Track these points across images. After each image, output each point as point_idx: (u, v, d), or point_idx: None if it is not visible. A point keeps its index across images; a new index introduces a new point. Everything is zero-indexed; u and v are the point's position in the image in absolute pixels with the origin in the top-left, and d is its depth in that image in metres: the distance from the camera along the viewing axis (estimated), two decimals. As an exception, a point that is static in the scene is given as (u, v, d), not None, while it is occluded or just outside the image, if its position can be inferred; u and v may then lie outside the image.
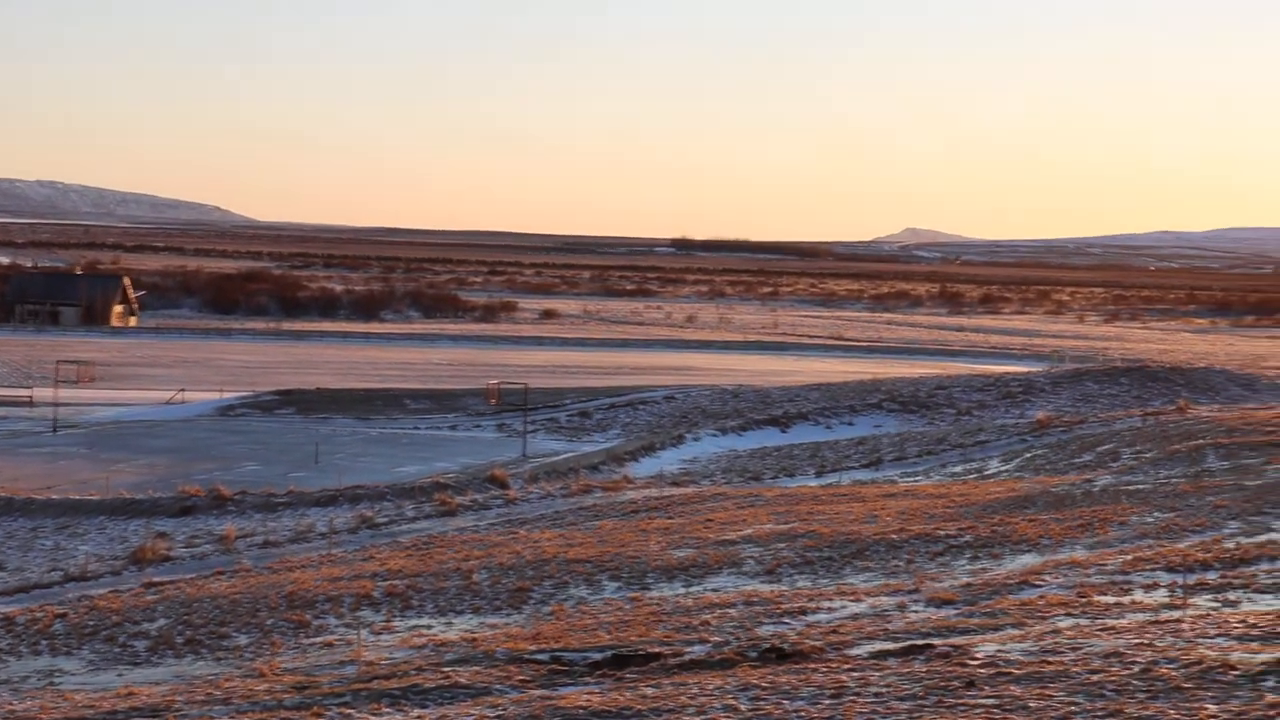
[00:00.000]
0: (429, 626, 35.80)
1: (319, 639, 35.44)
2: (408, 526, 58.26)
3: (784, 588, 36.84)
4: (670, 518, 53.21)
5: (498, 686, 24.24)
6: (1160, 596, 30.92)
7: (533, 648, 28.16)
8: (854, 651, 23.94)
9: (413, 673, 26.25)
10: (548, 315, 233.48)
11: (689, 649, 26.43)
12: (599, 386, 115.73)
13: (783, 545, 43.43)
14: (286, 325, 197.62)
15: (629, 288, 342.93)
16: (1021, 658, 21.49)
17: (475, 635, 33.30)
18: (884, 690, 20.22)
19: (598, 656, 26.21)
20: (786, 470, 73.15)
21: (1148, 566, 35.08)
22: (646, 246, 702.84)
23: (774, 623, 30.19)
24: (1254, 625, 24.82)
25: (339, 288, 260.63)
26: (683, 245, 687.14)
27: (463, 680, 24.77)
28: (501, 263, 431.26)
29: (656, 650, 26.42)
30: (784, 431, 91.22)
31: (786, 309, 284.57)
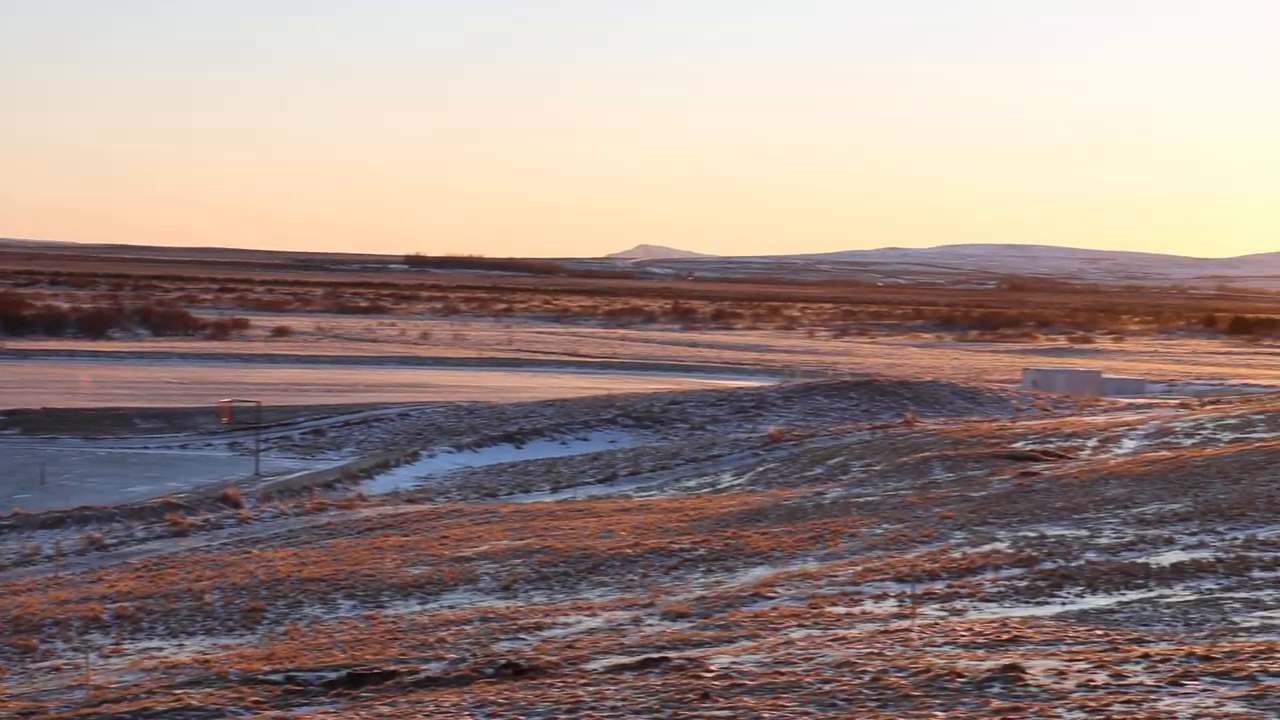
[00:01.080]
0: (160, 649, 35.12)
1: (46, 664, 34.55)
2: (138, 547, 57.07)
3: (520, 604, 36.83)
4: (405, 535, 52.88)
5: (231, 708, 23.87)
6: (889, 606, 31.56)
7: (267, 668, 27.78)
8: (590, 666, 24.01)
9: (143, 696, 25.71)
10: (280, 333, 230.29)
11: (425, 666, 26.29)
12: (333, 404, 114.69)
13: (519, 561, 43.41)
14: (11, 344, 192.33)
15: (363, 305, 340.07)
16: (755, 669, 21.75)
17: (208, 657, 32.73)
18: (620, 704, 20.32)
19: (333, 676, 25.95)
20: (522, 486, 73.15)
21: (877, 577, 35.80)
22: (380, 263, 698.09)
23: (510, 639, 30.16)
24: (980, 633, 25.46)
25: (66, 305, 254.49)
26: (416, 262, 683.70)
27: (195, 702, 24.34)
28: (233, 280, 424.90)
29: (392, 668, 26.23)
30: (519, 448, 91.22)
31: (521, 325, 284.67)
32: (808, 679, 20.33)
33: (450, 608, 37.06)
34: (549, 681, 22.48)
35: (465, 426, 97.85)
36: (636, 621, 31.39)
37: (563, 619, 32.45)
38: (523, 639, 30.09)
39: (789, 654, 23.39)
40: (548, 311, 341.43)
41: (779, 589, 34.80)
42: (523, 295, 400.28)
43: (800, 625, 28.76)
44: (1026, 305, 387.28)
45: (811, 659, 22.55)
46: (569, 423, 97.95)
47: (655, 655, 24.08)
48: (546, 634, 30.57)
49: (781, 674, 21.01)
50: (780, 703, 18.89)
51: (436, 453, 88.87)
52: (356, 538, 53.64)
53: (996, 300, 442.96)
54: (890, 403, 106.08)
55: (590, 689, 21.33)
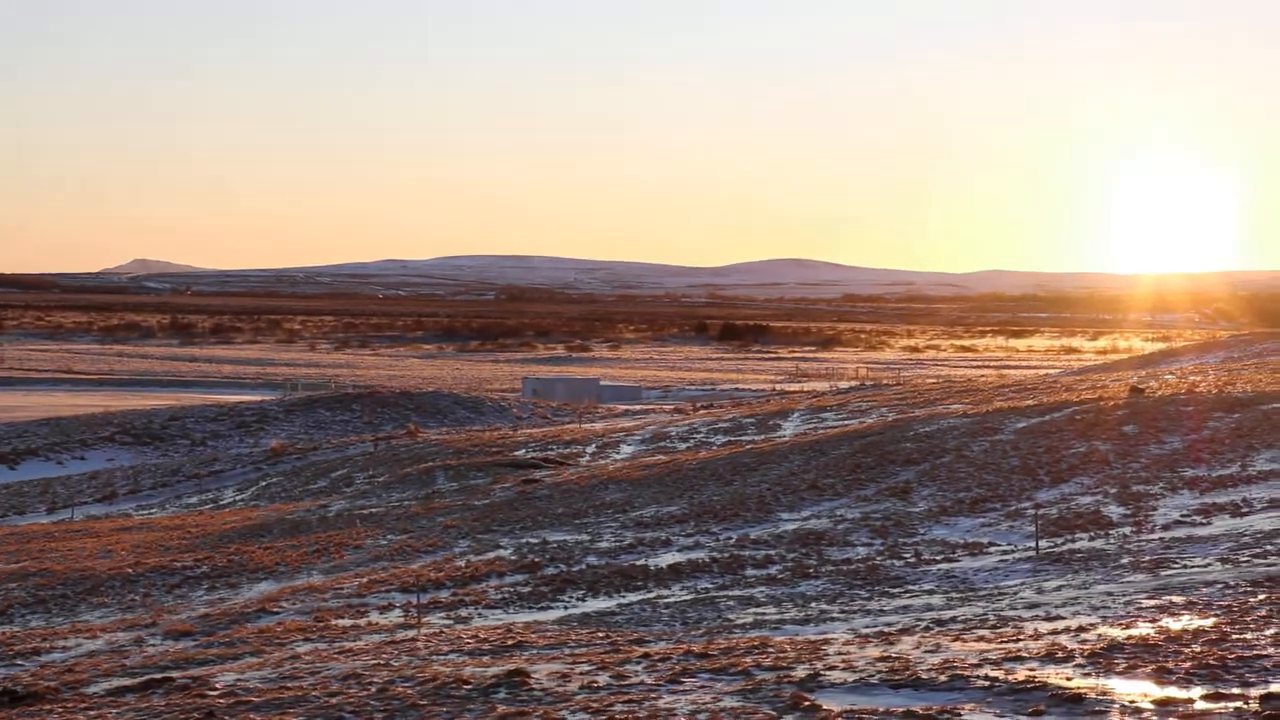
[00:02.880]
0: None
1: None
2: None
3: (17, 628, 35.51)
4: (-112, 563, 50.34)
5: None
6: (395, 617, 31.65)
7: None
8: (91, 690, 23.35)
9: None
10: None
11: (-88, 700, 25.12)
12: None
13: (14, 585, 41.85)
14: None
15: None
16: (261, 685, 21.53)
17: None
18: (122, 728, 19.85)
19: None
20: (16, 508, 70.54)
21: (383, 588, 35.86)
22: None
23: (6, 665, 29.07)
24: (485, 640, 25.76)
25: None
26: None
27: None
28: None
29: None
30: (12, 469, 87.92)
31: (12, 343, 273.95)
32: (314, 693, 20.23)
33: (-62, 637, 35.48)
34: (48, 707, 21.76)
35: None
36: (139, 642, 30.67)
37: (61, 643, 31.43)
38: (19, 665, 29.02)
39: (295, 668, 23.23)
40: (40, 328, 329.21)
41: (284, 604, 34.50)
42: (12, 311, 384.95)
43: (307, 639, 28.58)
44: (525, 315, 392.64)
45: (318, 672, 22.45)
46: (65, 441, 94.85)
47: (158, 675, 23.57)
48: (45, 658, 29.56)
49: (288, 689, 20.86)
50: (286, 718, 18.76)
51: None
52: None
53: (496, 310, 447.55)
54: (393, 414, 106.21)
55: (91, 713, 20.76)
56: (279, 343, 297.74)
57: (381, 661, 23.48)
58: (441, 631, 28.17)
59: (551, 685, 19.31)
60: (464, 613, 31.73)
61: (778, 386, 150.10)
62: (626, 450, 69.03)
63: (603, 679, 19.65)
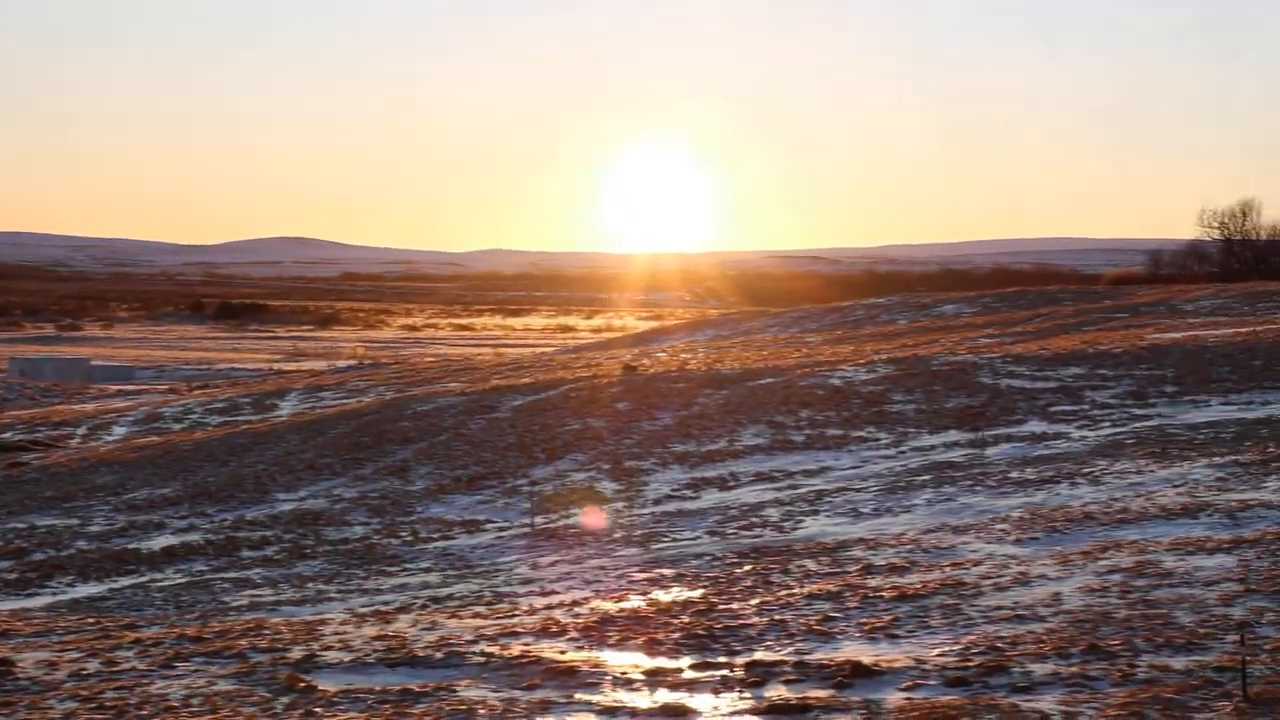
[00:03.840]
0: None
1: None
2: None
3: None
4: None
5: None
6: None
7: None
8: None
9: None
10: None
11: None
12: None
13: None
14: None
15: None
16: None
17: None
18: None
19: None
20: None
21: None
22: None
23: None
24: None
25: None
26: None
27: None
28: None
29: None
30: None
31: None
32: None
33: None
34: None
35: None
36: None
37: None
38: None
39: None
40: None
41: None
42: None
43: None
44: (13, 293, 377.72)
45: None
46: None
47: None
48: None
49: None
50: None
51: None
52: None
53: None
54: None
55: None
56: None
57: None
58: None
59: (38, 674, 18.71)
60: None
61: (275, 366, 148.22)
62: (119, 431, 67.22)
63: (93, 666, 19.14)
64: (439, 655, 18.75)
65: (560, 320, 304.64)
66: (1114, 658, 16.87)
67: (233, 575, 31.78)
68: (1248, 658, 15.72)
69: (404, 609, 24.12)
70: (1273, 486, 29.04)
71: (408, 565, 31.15)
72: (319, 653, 19.21)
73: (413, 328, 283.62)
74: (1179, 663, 16.49)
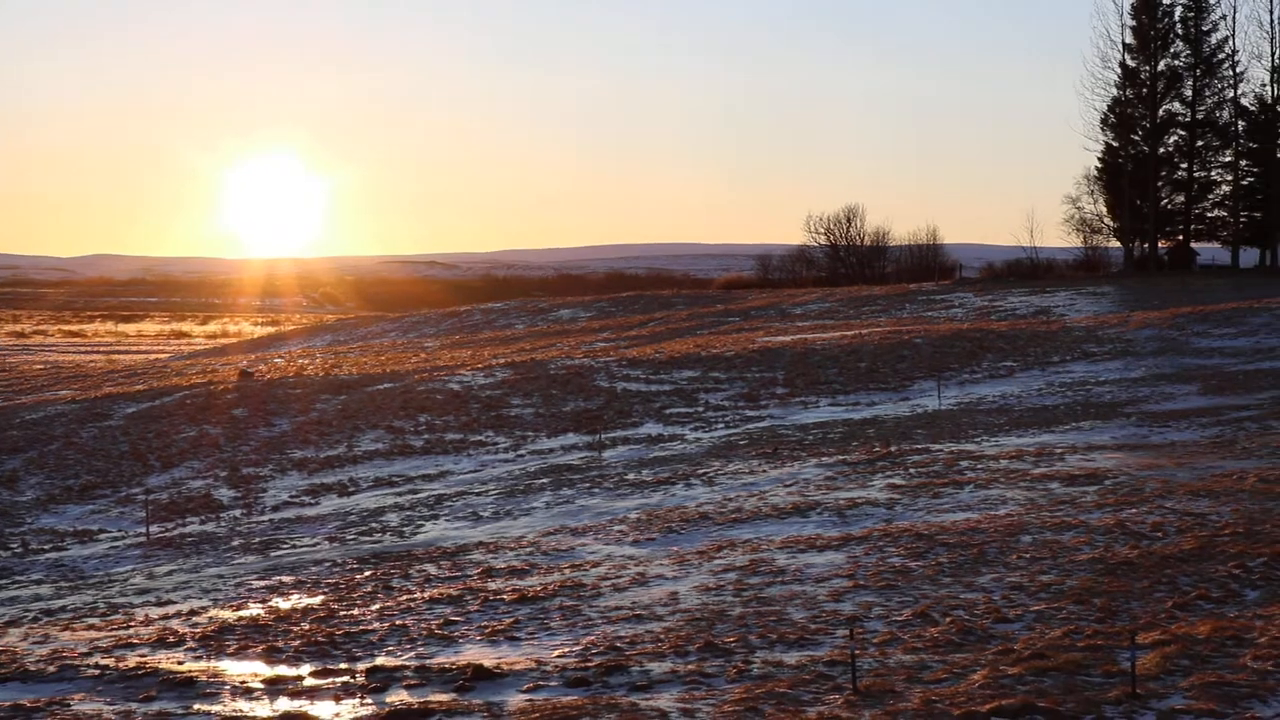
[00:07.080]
0: None
1: None
2: None
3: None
4: None
5: None
6: None
7: None
8: None
9: None
10: None
11: None
12: None
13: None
14: None
15: None
16: None
17: None
18: None
19: None
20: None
21: None
22: None
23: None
24: None
25: None
26: None
27: None
28: None
29: None
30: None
31: None
32: None
33: None
34: None
35: None
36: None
37: None
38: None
39: None
40: None
41: None
42: None
43: None
44: None
45: None
46: None
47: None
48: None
49: None
50: None
51: None
52: None
53: None
54: None
55: None
56: None
57: None
58: None
59: None
60: None
61: None
62: None
63: None
64: (52, 669, 18.27)
65: (175, 326, 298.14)
66: (730, 655, 17.34)
67: None
68: (857, 651, 16.34)
69: (14, 622, 23.40)
70: (879, 485, 30.19)
71: (18, 577, 30.19)
72: (-78, 671, 18.54)
73: (20, 334, 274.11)
74: (792, 658, 17.03)
